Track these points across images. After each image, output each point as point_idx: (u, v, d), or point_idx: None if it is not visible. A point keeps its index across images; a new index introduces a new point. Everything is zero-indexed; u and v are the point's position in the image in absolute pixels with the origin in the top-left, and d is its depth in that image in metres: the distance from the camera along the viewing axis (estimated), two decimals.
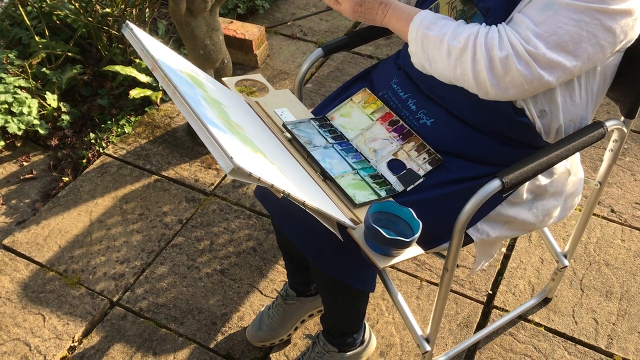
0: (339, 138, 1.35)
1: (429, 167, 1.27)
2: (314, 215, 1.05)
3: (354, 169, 1.27)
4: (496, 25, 1.11)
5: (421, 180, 1.26)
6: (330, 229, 1.10)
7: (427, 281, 1.88)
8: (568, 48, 1.06)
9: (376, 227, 1.06)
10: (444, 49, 1.12)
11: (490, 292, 1.86)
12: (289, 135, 1.31)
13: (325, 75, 2.70)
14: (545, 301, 1.81)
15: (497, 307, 1.81)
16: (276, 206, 1.32)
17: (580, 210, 2.03)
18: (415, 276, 1.90)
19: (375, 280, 1.33)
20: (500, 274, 1.90)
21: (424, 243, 1.22)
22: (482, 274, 1.90)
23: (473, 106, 1.22)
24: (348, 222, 1.12)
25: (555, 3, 1.05)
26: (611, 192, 2.13)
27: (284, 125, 1.33)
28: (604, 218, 2.05)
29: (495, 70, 1.08)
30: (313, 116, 1.41)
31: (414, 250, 1.16)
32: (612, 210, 2.07)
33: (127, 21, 1.09)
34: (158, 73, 1.01)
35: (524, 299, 1.82)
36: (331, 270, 1.25)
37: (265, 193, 1.36)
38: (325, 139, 1.33)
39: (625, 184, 2.16)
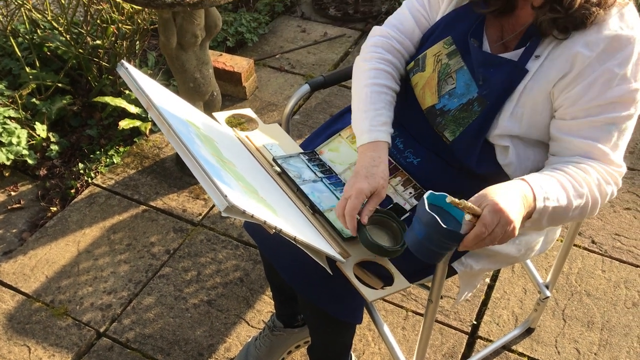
0: (328, 172, 1.38)
1: (415, 202, 1.31)
2: (304, 250, 1.08)
3: None
4: (589, 166, 1.12)
5: (407, 214, 1.29)
6: (320, 262, 1.12)
7: (413, 312, 1.91)
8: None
9: (435, 216, 0.94)
10: (570, 213, 1.11)
11: (475, 322, 1.89)
12: (278, 169, 1.35)
13: (312, 107, 2.75)
14: (529, 331, 1.84)
15: (481, 337, 1.84)
16: (265, 239, 1.35)
17: (561, 242, 2.08)
18: (401, 307, 1.92)
19: (362, 311, 1.35)
20: (484, 304, 1.94)
21: (409, 275, 1.25)
22: (467, 304, 1.93)
23: (450, 154, 1.27)
24: (337, 257, 1.15)
25: (615, 122, 1.11)
26: (592, 223, 2.19)
27: (274, 159, 1.36)
28: (585, 249, 2.10)
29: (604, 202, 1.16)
30: (302, 150, 1.44)
31: (401, 283, 1.19)
32: (593, 242, 2.12)
33: (122, 60, 1.13)
34: (153, 112, 1.04)
35: (507, 329, 1.85)
36: (318, 302, 1.27)
37: (254, 226, 1.38)
38: (314, 173, 1.36)
39: (606, 216, 2.22)
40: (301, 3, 3.60)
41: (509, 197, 0.99)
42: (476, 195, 1.00)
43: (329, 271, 1.16)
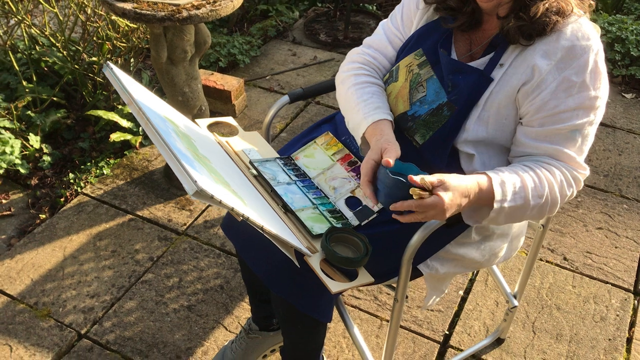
0: (302, 176, 1.45)
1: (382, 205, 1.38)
2: (272, 240, 1.14)
3: (313, 204, 1.37)
4: (555, 168, 1.22)
5: (375, 216, 1.36)
6: (288, 254, 1.19)
7: (387, 320, 1.96)
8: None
9: (397, 177, 1.11)
10: (528, 212, 1.22)
11: (447, 332, 1.94)
12: (254, 172, 1.42)
13: (299, 125, 2.84)
14: (499, 341, 1.89)
15: (452, 347, 1.89)
16: (240, 238, 1.42)
17: (526, 254, 2.14)
18: (376, 316, 1.97)
19: (332, 311, 1.41)
20: (457, 315, 1.99)
21: (377, 276, 1.31)
22: (440, 315, 1.98)
23: (419, 158, 1.35)
24: (304, 249, 1.22)
25: (578, 128, 1.20)
26: (564, 241, 2.26)
27: (250, 162, 1.44)
28: (557, 265, 2.16)
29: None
30: (279, 156, 1.52)
31: (365, 278, 1.25)
32: (565, 258, 2.19)
33: (107, 61, 1.21)
34: (133, 107, 1.12)
35: (478, 339, 1.91)
36: (288, 297, 1.33)
37: (230, 226, 1.45)
38: (289, 176, 1.44)
39: (578, 234, 2.29)
40: (293, 28, 3.72)
41: (458, 193, 1.12)
42: (437, 179, 1.11)
43: (297, 263, 1.22)
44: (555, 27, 1.18)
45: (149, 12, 1.84)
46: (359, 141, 1.35)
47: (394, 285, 1.44)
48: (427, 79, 1.33)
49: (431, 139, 1.31)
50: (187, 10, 1.86)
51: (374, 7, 3.88)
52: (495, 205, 1.16)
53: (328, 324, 1.86)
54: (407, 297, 1.76)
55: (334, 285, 1.20)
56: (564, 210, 2.39)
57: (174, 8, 1.86)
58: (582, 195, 2.46)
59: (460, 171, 1.31)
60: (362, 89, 1.37)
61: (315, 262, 1.23)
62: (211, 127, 1.56)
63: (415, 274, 1.41)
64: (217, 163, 1.25)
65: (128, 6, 1.86)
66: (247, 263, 1.39)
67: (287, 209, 1.34)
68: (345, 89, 1.41)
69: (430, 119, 1.31)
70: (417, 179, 1.09)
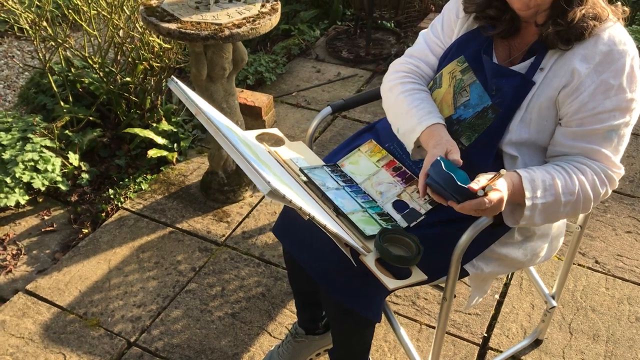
0: (349, 182, 1.52)
1: (429, 207, 1.44)
2: (333, 239, 1.21)
3: (363, 207, 1.44)
4: (587, 167, 1.29)
5: (422, 217, 1.43)
6: (346, 253, 1.25)
7: (427, 325, 2.01)
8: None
9: (451, 173, 1.18)
10: (562, 209, 1.29)
11: (485, 334, 1.98)
12: (305, 178, 1.49)
13: (327, 139, 2.92)
14: (537, 342, 1.94)
15: (492, 349, 1.94)
16: (293, 240, 1.48)
17: (557, 258, 2.20)
18: (415, 320, 2.03)
19: (381, 311, 1.47)
20: (494, 318, 2.04)
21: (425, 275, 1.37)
22: (477, 318, 2.03)
23: (465, 161, 1.42)
24: (361, 250, 1.28)
25: (615, 129, 1.27)
26: (595, 245, 2.30)
27: (300, 169, 1.51)
28: (589, 268, 2.21)
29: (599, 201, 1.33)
30: (325, 163, 1.59)
31: (419, 276, 1.31)
32: (597, 262, 2.23)
33: (172, 76, 1.29)
34: (202, 117, 1.20)
35: (516, 341, 1.95)
36: (342, 298, 1.39)
37: (284, 229, 1.52)
38: (337, 182, 1.51)
39: (608, 238, 2.34)
40: (315, 47, 3.82)
41: (505, 188, 1.22)
42: (496, 180, 1.19)
43: (353, 262, 1.29)
44: (593, 32, 1.25)
45: (193, 32, 1.93)
46: (410, 146, 1.41)
47: (441, 285, 1.50)
48: (470, 84, 1.40)
49: (477, 141, 1.37)
50: (228, 29, 1.95)
51: (392, 24, 3.98)
52: (527, 203, 1.25)
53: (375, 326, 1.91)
54: (455, 295, 1.81)
55: (390, 283, 1.26)
56: (592, 215, 2.44)
57: (217, 27, 1.95)
58: (609, 201, 2.51)
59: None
60: (411, 95, 1.44)
61: (370, 261, 1.29)
62: (258, 138, 1.63)
63: (463, 273, 1.47)
64: (276, 169, 1.32)
65: (173, 26, 1.95)
66: (301, 264, 1.46)
67: (338, 212, 1.40)
68: (394, 97, 1.48)
69: (476, 122, 1.37)
70: (474, 185, 1.17)
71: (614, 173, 1.30)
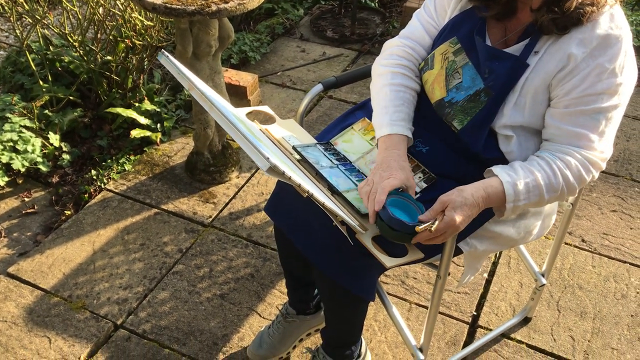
0: (343, 160, 1.50)
1: (424, 185, 1.43)
2: (331, 217, 1.19)
3: (357, 185, 1.42)
4: (571, 157, 1.27)
5: (417, 196, 1.41)
6: (343, 232, 1.23)
7: (416, 304, 2.01)
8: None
9: (400, 219, 1.19)
10: (544, 203, 1.29)
11: (475, 313, 1.99)
12: (298, 157, 1.46)
13: (314, 119, 2.89)
14: (526, 320, 1.95)
15: (481, 327, 1.95)
16: (285, 219, 1.46)
17: (545, 237, 2.21)
18: (405, 299, 2.03)
19: (375, 290, 1.46)
20: (483, 297, 2.05)
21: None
22: (466, 297, 2.04)
23: (457, 142, 1.41)
24: (358, 228, 1.26)
25: (602, 111, 1.25)
26: (581, 224, 2.32)
27: (293, 147, 1.48)
28: (576, 247, 2.23)
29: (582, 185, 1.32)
30: (317, 141, 1.56)
31: (416, 254, 1.30)
32: (583, 240, 2.25)
33: (162, 49, 1.25)
34: (195, 92, 1.16)
35: (506, 319, 1.96)
36: (336, 277, 1.38)
37: (276, 208, 1.50)
38: (331, 160, 1.48)
39: (594, 217, 2.36)
40: (299, 26, 3.77)
41: (467, 207, 1.22)
42: (444, 200, 1.22)
43: (350, 241, 1.27)
44: (590, 17, 1.23)
45: (179, 7, 1.88)
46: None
47: (435, 263, 1.49)
48: (462, 66, 1.38)
49: (469, 124, 1.36)
50: (215, 4, 1.90)
51: (377, 4, 3.94)
52: (508, 206, 1.26)
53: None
54: (449, 273, 1.80)
55: (387, 261, 1.25)
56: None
57: (203, 2, 1.90)
58: (595, 180, 2.53)
59: (498, 152, 1.37)
60: (396, 93, 1.43)
61: (367, 239, 1.28)
62: (248, 116, 1.60)
63: (455, 252, 1.46)
64: (270, 147, 1.29)
65: (158, 1, 1.90)
66: (295, 244, 1.43)
67: (333, 191, 1.38)
68: (380, 84, 1.46)
69: (468, 105, 1.36)
70: (422, 225, 1.19)
71: (597, 158, 1.28)
